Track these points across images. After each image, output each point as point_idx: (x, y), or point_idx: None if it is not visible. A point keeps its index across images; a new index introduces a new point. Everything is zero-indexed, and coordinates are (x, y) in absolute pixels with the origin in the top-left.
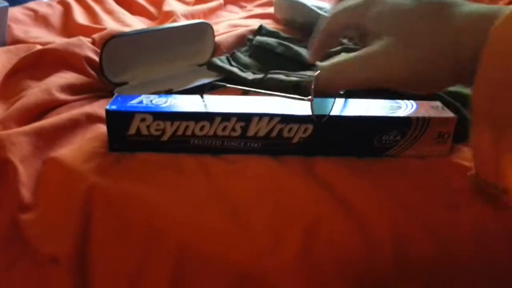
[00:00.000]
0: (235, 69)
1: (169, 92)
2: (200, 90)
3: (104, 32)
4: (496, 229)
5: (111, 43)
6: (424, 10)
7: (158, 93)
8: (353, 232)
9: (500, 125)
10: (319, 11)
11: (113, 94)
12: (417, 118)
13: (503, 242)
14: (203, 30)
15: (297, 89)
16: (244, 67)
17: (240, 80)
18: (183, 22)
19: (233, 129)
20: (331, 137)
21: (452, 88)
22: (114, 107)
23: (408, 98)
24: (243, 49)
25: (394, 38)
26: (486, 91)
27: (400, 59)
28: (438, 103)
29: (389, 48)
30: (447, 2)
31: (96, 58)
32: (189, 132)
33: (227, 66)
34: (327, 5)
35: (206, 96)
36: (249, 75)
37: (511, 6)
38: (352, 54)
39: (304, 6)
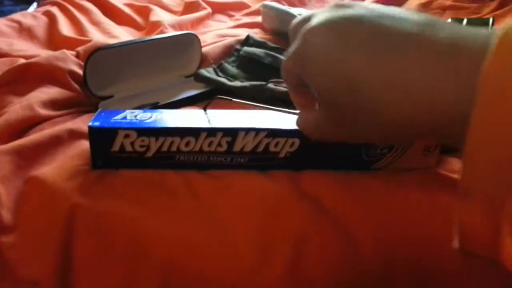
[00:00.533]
0: (222, 80)
1: (156, 105)
2: (187, 103)
3: (88, 44)
4: None
5: (95, 56)
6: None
7: (144, 106)
8: (341, 246)
9: (498, 195)
10: None
11: (97, 108)
12: None
13: None
14: (189, 41)
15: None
16: (232, 77)
17: (229, 89)
18: (169, 33)
19: (219, 145)
20: (318, 151)
21: None
22: (97, 123)
23: None
24: (231, 59)
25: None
26: (484, 165)
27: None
28: None
29: (321, 122)
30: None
31: (81, 72)
32: (174, 148)
33: (214, 77)
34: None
35: (192, 111)
36: (237, 84)
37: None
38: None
39: (291, 16)
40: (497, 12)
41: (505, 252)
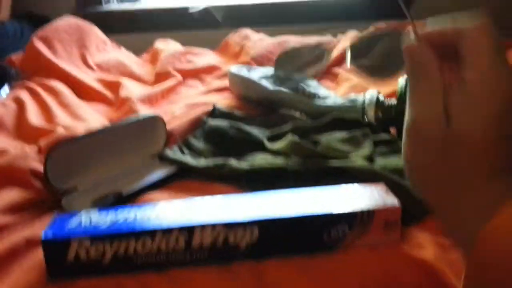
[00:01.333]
0: (187, 158)
1: (119, 196)
2: (152, 188)
3: (51, 137)
4: None
5: (55, 152)
6: None
7: (106, 198)
8: None
9: None
10: (269, 87)
11: (60, 206)
12: (362, 212)
13: None
14: (154, 123)
15: (249, 177)
16: (197, 153)
17: (191, 169)
18: (132, 118)
19: (177, 242)
20: (279, 239)
21: (399, 165)
22: (50, 234)
23: (353, 181)
24: (198, 132)
25: None
26: None
27: None
28: (382, 187)
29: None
30: None
31: (42, 168)
32: (130, 251)
33: (178, 157)
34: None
35: (146, 206)
36: (201, 161)
37: None
38: None
39: (255, 83)
40: None
41: None
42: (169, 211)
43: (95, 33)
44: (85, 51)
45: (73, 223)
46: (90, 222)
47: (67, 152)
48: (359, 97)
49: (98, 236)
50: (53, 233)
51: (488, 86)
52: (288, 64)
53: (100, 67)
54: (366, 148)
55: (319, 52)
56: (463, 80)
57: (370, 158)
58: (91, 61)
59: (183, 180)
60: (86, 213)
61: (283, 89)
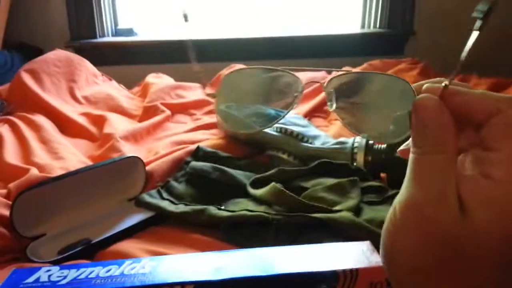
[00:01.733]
0: (165, 203)
1: (87, 244)
2: (123, 235)
3: (22, 180)
4: None
5: (23, 198)
6: None
7: (75, 245)
8: None
9: None
10: (257, 127)
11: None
12: (344, 272)
13: None
14: (132, 164)
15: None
16: (177, 197)
17: (169, 215)
18: (109, 160)
19: None
20: None
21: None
22: None
23: (337, 235)
24: (180, 174)
25: None
26: None
27: None
28: (368, 245)
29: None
30: None
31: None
32: None
33: (155, 202)
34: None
35: (111, 263)
36: (179, 208)
37: None
38: None
39: (242, 122)
40: None
41: None
42: (135, 269)
43: (86, 66)
44: (73, 84)
45: (30, 280)
46: (49, 279)
47: (36, 197)
48: (349, 140)
49: None
50: None
51: None
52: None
53: (88, 100)
54: (353, 199)
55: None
56: (485, 167)
57: (357, 209)
58: (79, 95)
59: (159, 227)
60: (46, 269)
61: (269, 130)
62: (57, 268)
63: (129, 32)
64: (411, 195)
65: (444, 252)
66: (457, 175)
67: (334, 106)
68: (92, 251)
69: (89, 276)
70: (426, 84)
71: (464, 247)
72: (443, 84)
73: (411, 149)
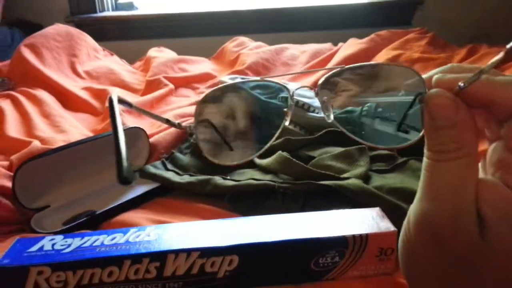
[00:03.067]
0: (170, 174)
1: (92, 215)
2: (129, 206)
3: (24, 151)
4: None
5: (25, 168)
6: None
7: (79, 216)
8: None
9: None
10: (263, 98)
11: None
12: (353, 237)
13: None
14: (136, 135)
15: (233, 196)
16: (182, 169)
17: (174, 186)
18: (107, 132)
19: (147, 271)
20: (260, 267)
21: (396, 185)
22: (6, 260)
23: (346, 202)
24: (184, 146)
25: None
26: None
27: None
28: (377, 211)
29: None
30: None
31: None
32: (96, 280)
33: (160, 172)
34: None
35: (116, 231)
36: (184, 178)
37: None
38: None
39: (246, 93)
40: (468, 60)
41: None
42: (140, 236)
43: (86, 41)
44: (74, 58)
45: (34, 248)
46: (53, 248)
47: (38, 168)
48: (357, 109)
49: (60, 264)
50: (10, 260)
51: None
52: None
53: (90, 75)
54: (362, 167)
55: None
56: (508, 172)
57: (365, 177)
58: (80, 69)
59: (164, 198)
60: (50, 238)
61: (274, 100)
62: (61, 237)
63: (129, 6)
64: (424, 208)
65: (458, 270)
66: (477, 181)
67: (332, 117)
68: (97, 222)
69: (94, 244)
70: (435, 76)
71: (481, 268)
72: (460, 84)
73: (425, 152)
